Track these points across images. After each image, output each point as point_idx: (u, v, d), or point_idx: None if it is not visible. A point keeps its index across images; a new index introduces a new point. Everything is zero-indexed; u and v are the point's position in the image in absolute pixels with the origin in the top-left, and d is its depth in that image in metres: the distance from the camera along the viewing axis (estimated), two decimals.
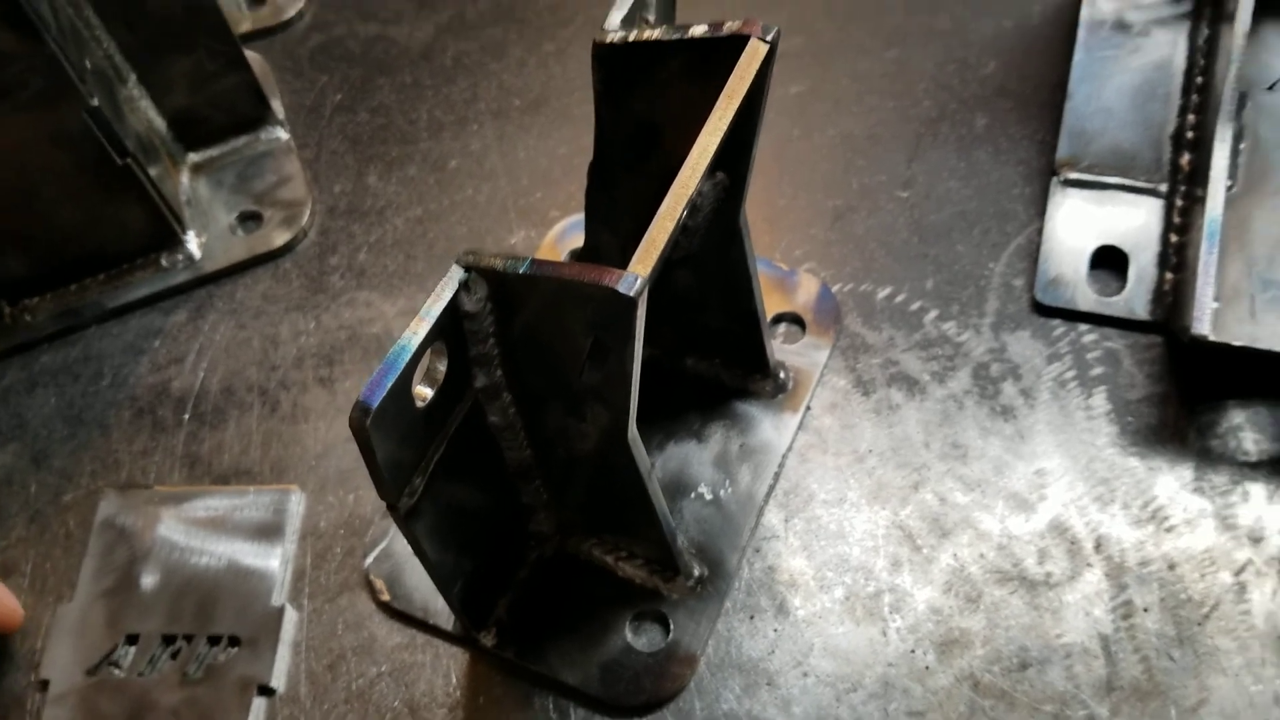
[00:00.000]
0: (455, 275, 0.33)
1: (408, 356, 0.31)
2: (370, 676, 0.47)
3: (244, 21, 0.68)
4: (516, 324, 0.34)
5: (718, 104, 0.34)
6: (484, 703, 0.46)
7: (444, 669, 0.47)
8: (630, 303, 0.31)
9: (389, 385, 0.31)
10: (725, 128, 0.34)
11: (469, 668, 0.46)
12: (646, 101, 0.39)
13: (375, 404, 0.30)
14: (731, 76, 0.35)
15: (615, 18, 0.38)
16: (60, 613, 0.50)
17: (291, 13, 0.68)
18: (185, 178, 0.61)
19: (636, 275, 0.31)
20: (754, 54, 0.35)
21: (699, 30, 0.36)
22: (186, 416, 0.55)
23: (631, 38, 0.37)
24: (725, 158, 0.40)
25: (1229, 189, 0.48)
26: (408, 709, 0.46)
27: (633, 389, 0.35)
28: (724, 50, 0.36)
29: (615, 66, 0.38)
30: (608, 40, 0.37)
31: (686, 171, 0.33)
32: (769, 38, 0.35)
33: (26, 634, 0.50)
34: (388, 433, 0.32)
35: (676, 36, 0.36)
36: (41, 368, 0.57)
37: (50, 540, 0.52)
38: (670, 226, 0.32)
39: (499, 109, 0.63)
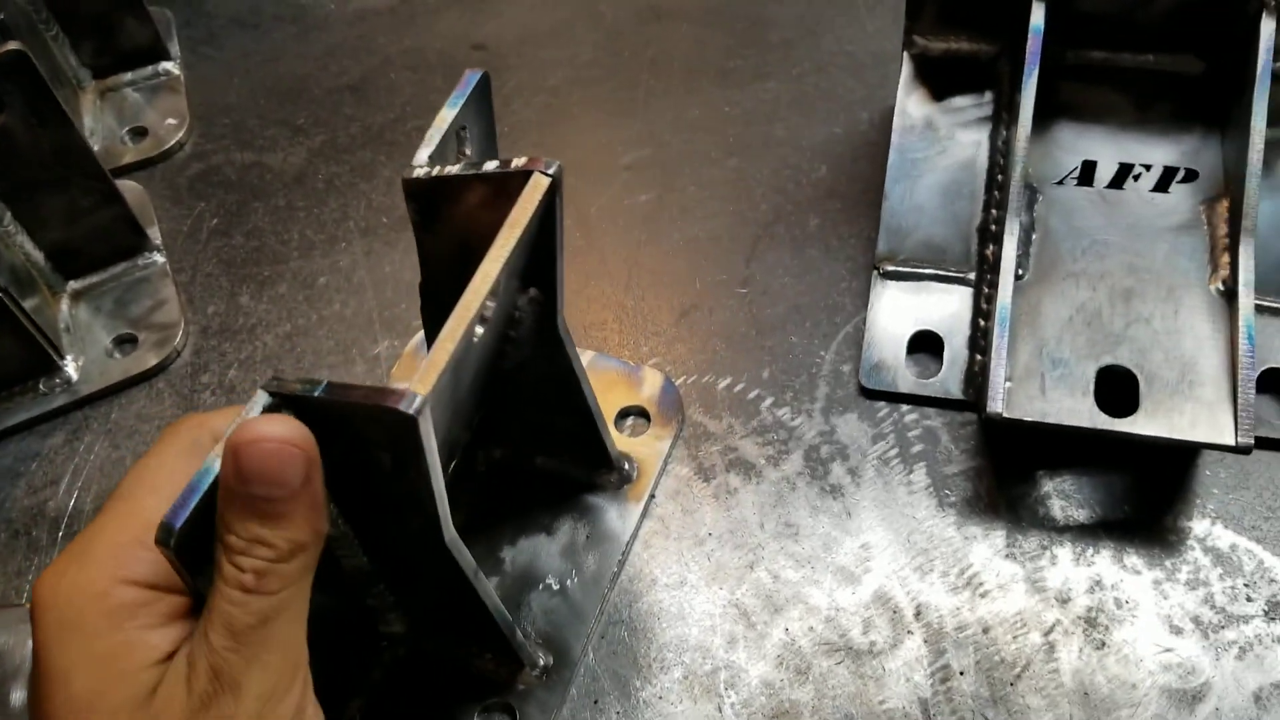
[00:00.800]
0: (259, 400, 0.35)
1: (209, 480, 0.34)
2: None
3: (127, 154, 0.71)
4: (323, 441, 0.37)
5: (500, 233, 0.38)
6: None
7: None
8: (411, 421, 0.33)
9: (191, 506, 0.33)
10: (507, 255, 0.38)
11: None
12: (458, 227, 0.43)
13: (178, 525, 0.33)
14: (515, 207, 0.38)
15: (422, 154, 0.42)
16: None
17: (172, 143, 0.72)
18: (65, 305, 0.64)
19: (416, 394, 0.34)
20: (536, 186, 0.39)
21: (491, 166, 0.40)
22: (60, 535, 0.57)
23: (435, 172, 0.41)
24: (533, 275, 0.43)
25: (1020, 277, 0.52)
26: None
27: (438, 496, 0.38)
28: (518, 182, 0.40)
29: (424, 198, 0.42)
30: (414, 175, 0.41)
31: (468, 295, 0.37)
32: (550, 171, 0.39)
33: None
34: (197, 553, 0.35)
35: (472, 172, 0.40)
36: None
37: None
38: (450, 348, 0.36)
39: (368, 226, 0.67)
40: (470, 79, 0.43)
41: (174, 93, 0.74)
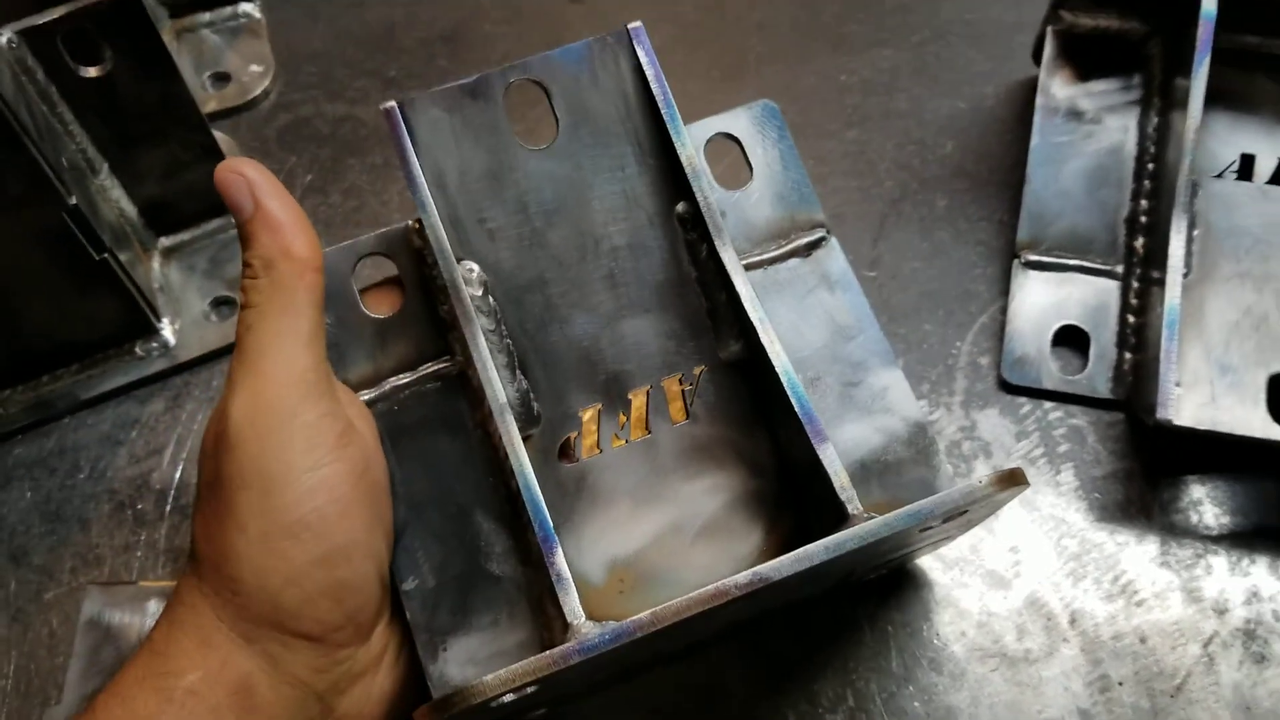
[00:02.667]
0: None
1: None
2: None
3: (209, 101, 0.68)
4: None
5: None
6: None
7: None
8: None
9: None
10: None
11: None
12: None
13: None
14: None
15: None
16: (48, 716, 0.50)
17: (257, 91, 0.68)
18: (156, 263, 0.61)
19: None
20: None
21: None
22: (168, 509, 0.55)
23: None
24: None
25: (1185, 276, 0.51)
26: None
27: None
28: None
29: None
30: None
31: None
32: None
33: None
34: None
35: None
36: (15, 461, 0.57)
37: (34, 640, 0.52)
38: None
39: None
40: None
41: (256, 36, 0.71)
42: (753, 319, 0.43)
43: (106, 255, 0.53)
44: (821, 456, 0.40)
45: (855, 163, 0.63)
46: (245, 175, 0.41)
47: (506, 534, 0.44)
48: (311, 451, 0.40)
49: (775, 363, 0.42)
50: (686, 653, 0.49)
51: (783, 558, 0.36)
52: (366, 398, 0.46)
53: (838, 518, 0.40)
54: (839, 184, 0.62)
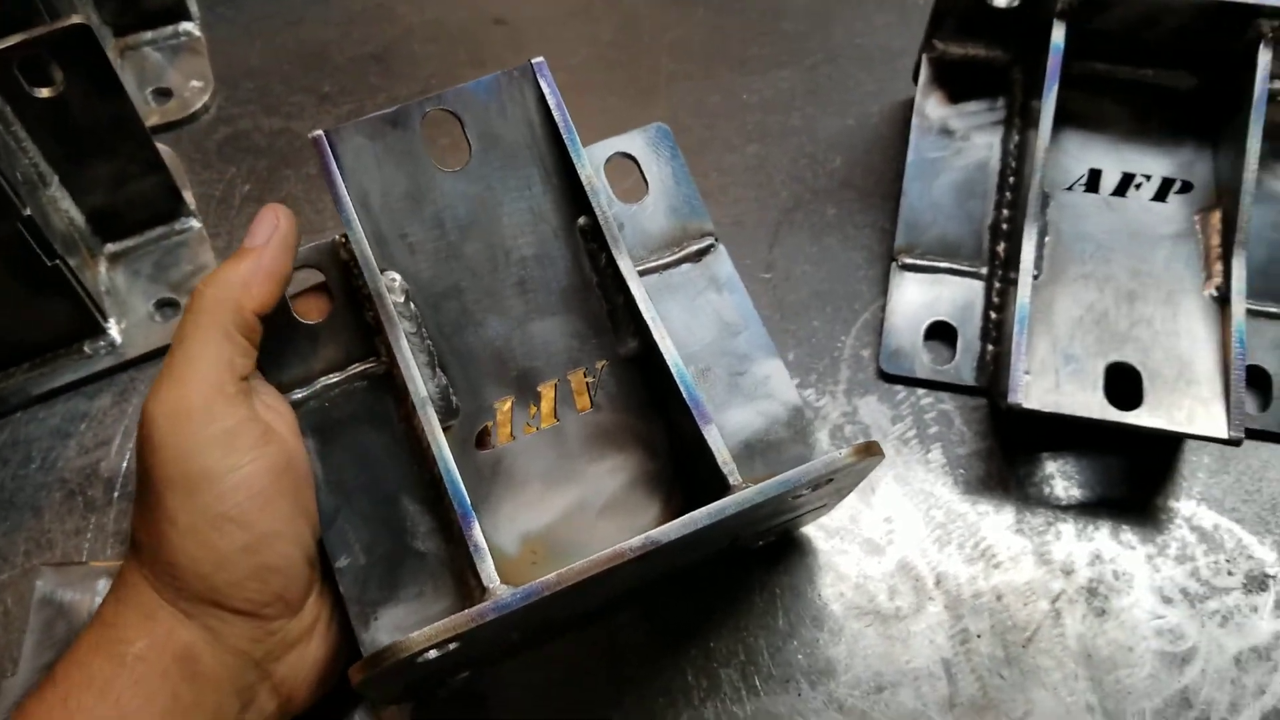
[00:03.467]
0: None
1: None
2: None
3: (152, 115, 0.72)
4: None
5: None
6: None
7: None
8: None
9: None
10: None
11: None
12: None
13: None
14: None
15: None
16: (4, 687, 0.53)
17: (197, 106, 0.72)
18: (103, 268, 0.65)
19: None
20: None
21: None
22: (115, 495, 0.59)
23: None
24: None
25: (1036, 277, 0.57)
26: None
27: None
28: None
29: None
30: None
31: None
32: None
33: None
34: None
35: None
36: None
37: None
38: None
39: None
40: None
41: (196, 54, 0.75)
42: (646, 318, 0.48)
43: (58, 261, 0.57)
44: (706, 436, 0.46)
45: (754, 175, 0.69)
46: (280, 221, 0.48)
47: (430, 515, 0.49)
48: (230, 454, 0.45)
49: (666, 356, 0.48)
50: (595, 617, 0.55)
51: (670, 523, 0.42)
52: (299, 396, 0.50)
53: (720, 488, 0.45)
54: (739, 194, 0.68)
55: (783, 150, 0.70)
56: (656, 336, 0.48)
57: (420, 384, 0.47)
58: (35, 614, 0.55)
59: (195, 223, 0.67)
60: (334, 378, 0.51)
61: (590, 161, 0.51)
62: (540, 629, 0.51)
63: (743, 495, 0.42)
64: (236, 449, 0.45)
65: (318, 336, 0.51)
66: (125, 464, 0.60)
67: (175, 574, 0.44)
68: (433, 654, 0.41)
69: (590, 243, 0.52)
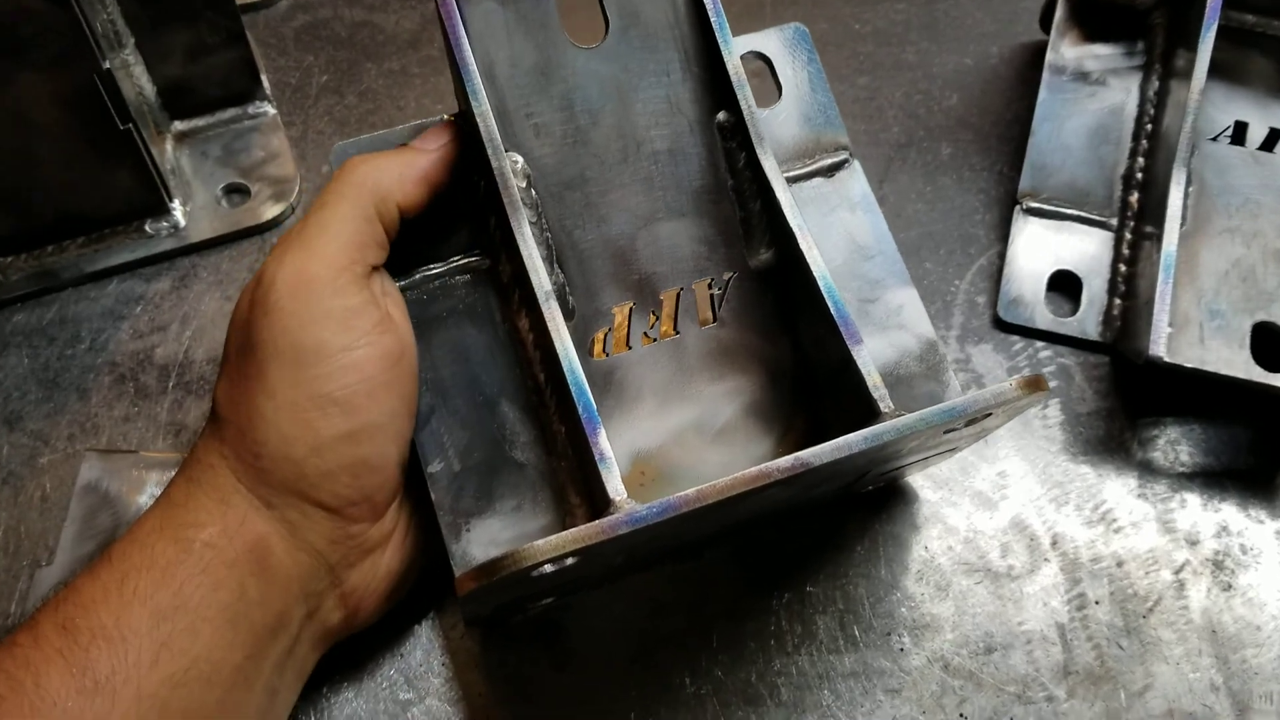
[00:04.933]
0: None
1: None
2: None
3: None
4: None
5: None
6: None
7: None
8: None
9: None
10: None
11: None
12: None
13: None
14: None
15: None
16: (39, 576, 0.49)
17: None
18: (169, 145, 0.61)
19: None
20: None
21: None
22: (171, 384, 0.55)
23: None
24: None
25: (1180, 227, 0.53)
26: None
27: None
28: None
29: None
30: None
31: None
32: None
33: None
34: None
35: None
36: (14, 328, 0.56)
37: (25, 503, 0.51)
38: None
39: None
40: None
41: None
42: (791, 225, 0.44)
43: (130, 126, 0.53)
44: (855, 357, 0.42)
45: (864, 107, 0.65)
46: (452, 138, 0.46)
47: (532, 424, 0.45)
48: (347, 332, 0.41)
49: (814, 268, 0.43)
50: (687, 551, 0.50)
51: (824, 445, 0.37)
52: (397, 285, 0.46)
53: (867, 414, 0.41)
54: (848, 126, 0.63)
55: (895, 84, 0.66)
56: (803, 246, 0.44)
57: (544, 275, 0.43)
58: (77, 501, 0.51)
59: (270, 108, 0.63)
60: (434, 269, 0.47)
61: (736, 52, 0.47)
62: (646, 556, 0.47)
63: (903, 421, 0.38)
64: (354, 329, 0.41)
65: (419, 225, 0.47)
66: (183, 352, 0.56)
67: (261, 454, 0.40)
68: (549, 569, 0.37)
69: (729, 141, 0.48)
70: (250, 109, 0.63)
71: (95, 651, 0.37)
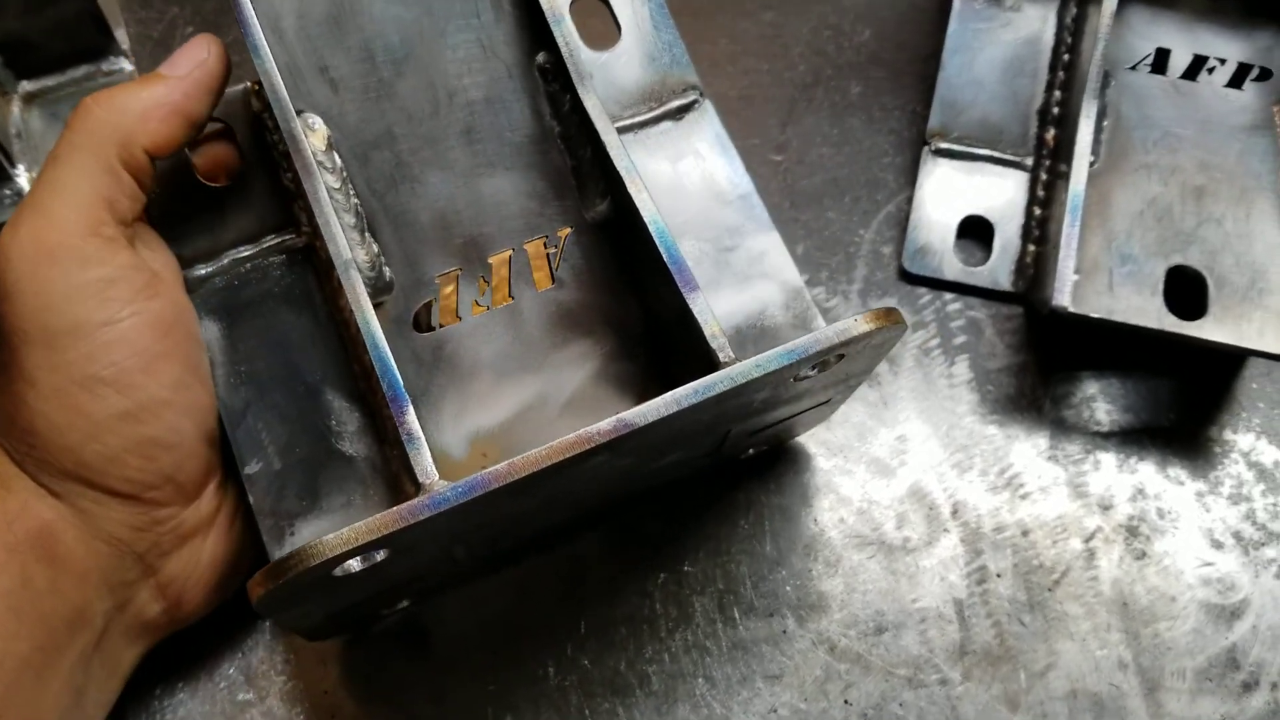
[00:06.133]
0: None
1: None
2: None
3: None
4: None
5: None
6: None
7: None
8: None
9: None
10: None
11: None
12: None
13: None
14: None
15: None
16: None
17: None
18: (16, 107, 0.57)
19: None
20: None
21: None
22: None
23: None
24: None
25: (1091, 165, 0.49)
26: None
27: None
28: None
29: None
30: None
31: None
32: None
33: None
34: None
35: None
36: None
37: None
38: None
39: None
40: None
41: None
42: (618, 168, 0.40)
43: None
44: (691, 305, 0.38)
45: (769, 45, 0.60)
46: (210, 55, 0.40)
47: (360, 412, 0.42)
48: (106, 305, 0.37)
49: (643, 212, 0.39)
50: (556, 538, 0.47)
51: (648, 403, 0.34)
52: (203, 272, 0.43)
53: (707, 368, 0.37)
54: (750, 65, 0.60)
55: (803, 19, 0.61)
56: (631, 189, 0.39)
57: (342, 243, 0.38)
58: None
59: (127, 65, 0.58)
60: (245, 251, 0.43)
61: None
62: (492, 547, 0.43)
63: (737, 369, 0.34)
64: (114, 299, 0.37)
65: (225, 202, 0.43)
66: None
67: (35, 444, 0.36)
68: (355, 566, 0.33)
69: (551, 84, 0.43)
70: (105, 65, 0.58)
71: None
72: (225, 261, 0.43)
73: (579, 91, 0.41)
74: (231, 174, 0.44)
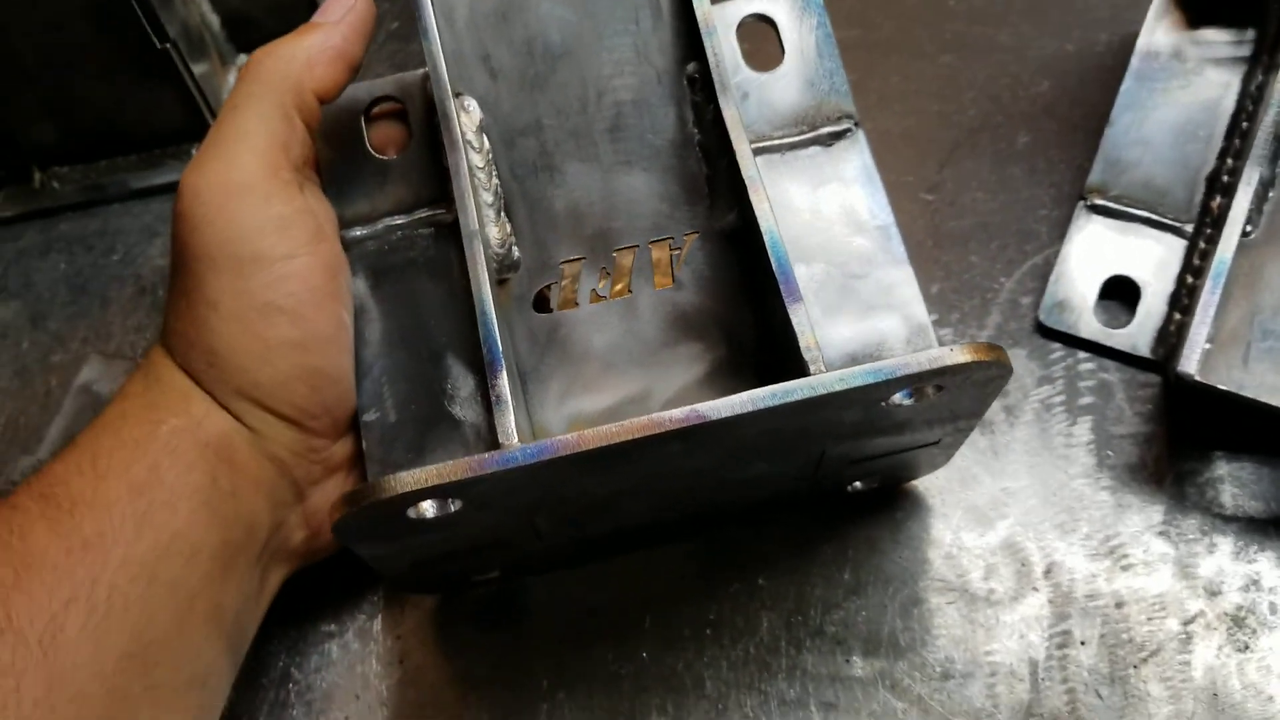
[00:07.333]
0: None
1: None
2: None
3: None
4: None
5: None
6: None
7: None
8: None
9: None
10: None
11: None
12: None
13: None
14: None
15: None
16: (22, 464, 0.51)
17: None
18: (233, 78, 0.63)
19: None
20: None
21: None
22: None
23: None
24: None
25: (1247, 234, 0.46)
26: None
27: None
28: None
29: None
30: None
31: None
32: None
33: None
34: None
35: None
36: (59, 234, 0.59)
37: (30, 395, 0.54)
38: None
39: None
40: None
41: None
42: (744, 175, 0.41)
43: (168, 46, 0.55)
44: (792, 315, 0.38)
45: (943, 86, 0.60)
46: (359, 4, 0.43)
47: (475, 379, 0.44)
48: (285, 241, 0.40)
49: (760, 220, 0.40)
50: (644, 540, 0.47)
51: (725, 399, 0.34)
52: (359, 234, 0.46)
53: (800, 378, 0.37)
54: (919, 104, 0.59)
55: (981, 65, 0.60)
56: (753, 196, 0.40)
57: (472, 215, 0.41)
58: (71, 399, 0.53)
59: None
60: (399, 219, 0.46)
61: (721, 20, 0.45)
62: (575, 531, 0.44)
63: (819, 379, 0.34)
64: (292, 238, 0.40)
65: (388, 173, 0.47)
66: None
67: (214, 362, 0.39)
68: (430, 511, 0.35)
69: (697, 94, 0.45)
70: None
71: (78, 516, 0.36)
72: (380, 227, 0.46)
73: (719, 100, 0.43)
74: (400, 149, 0.47)
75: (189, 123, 0.59)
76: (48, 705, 0.34)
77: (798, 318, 0.38)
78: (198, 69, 0.58)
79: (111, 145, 0.59)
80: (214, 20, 0.61)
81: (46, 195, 0.59)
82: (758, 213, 0.40)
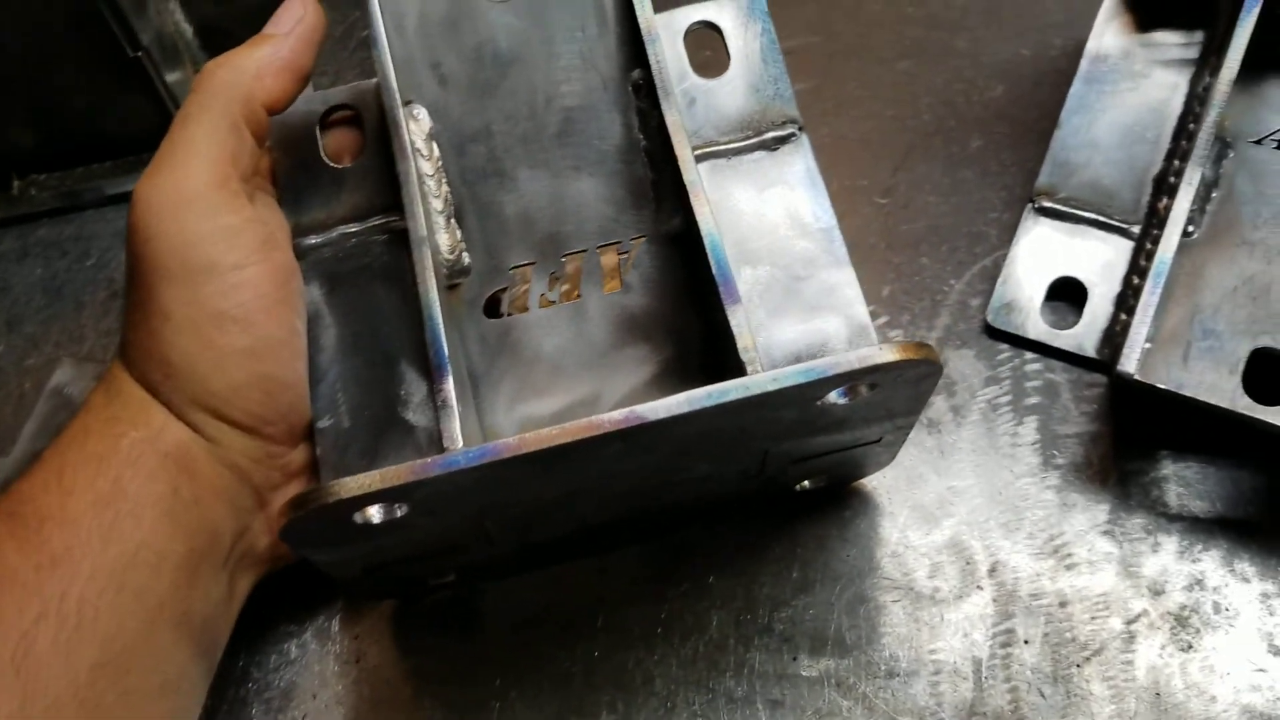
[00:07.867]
0: None
1: None
2: None
3: None
4: None
5: None
6: None
7: None
8: None
9: None
10: None
11: None
12: None
13: None
14: None
15: None
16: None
17: None
18: None
19: None
20: None
21: None
22: None
23: None
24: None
25: (1189, 234, 0.47)
26: None
27: None
28: None
29: None
30: None
31: None
32: None
33: None
34: None
35: None
36: (36, 240, 0.60)
37: (3, 398, 0.55)
38: None
39: None
40: None
41: None
42: (685, 179, 0.42)
43: (141, 54, 0.56)
44: (730, 316, 0.39)
45: (898, 92, 0.61)
46: (307, 12, 0.44)
47: (428, 385, 0.44)
48: (235, 250, 0.40)
49: (701, 224, 0.41)
50: (594, 544, 0.48)
51: (663, 400, 0.35)
52: (314, 241, 0.47)
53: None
54: (875, 109, 0.60)
55: (937, 71, 0.61)
56: (694, 200, 0.41)
57: (421, 222, 0.42)
58: (43, 402, 0.54)
59: None
60: (354, 227, 0.47)
61: (669, 27, 0.46)
62: (525, 534, 0.45)
63: (753, 379, 0.34)
64: (241, 246, 0.41)
65: (344, 181, 0.47)
66: None
67: (169, 373, 0.40)
68: (376, 516, 0.36)
69: (643, 101, 0.46)
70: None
71: (46, 532, 0.37)
72: (335, 234, 0.47)
73: (662, 105, 0.43)
74: (355, 157, 0.48)
75: (162, 130, 0.59)
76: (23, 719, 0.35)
77: (736, 319, 0.39)
78: (171, 77, 0.59)
79: (88, 152, 0.61)
80: (187, 29, 0.62)
81: (25, 202, 0.61)
82: (698, 217, 0.41)
